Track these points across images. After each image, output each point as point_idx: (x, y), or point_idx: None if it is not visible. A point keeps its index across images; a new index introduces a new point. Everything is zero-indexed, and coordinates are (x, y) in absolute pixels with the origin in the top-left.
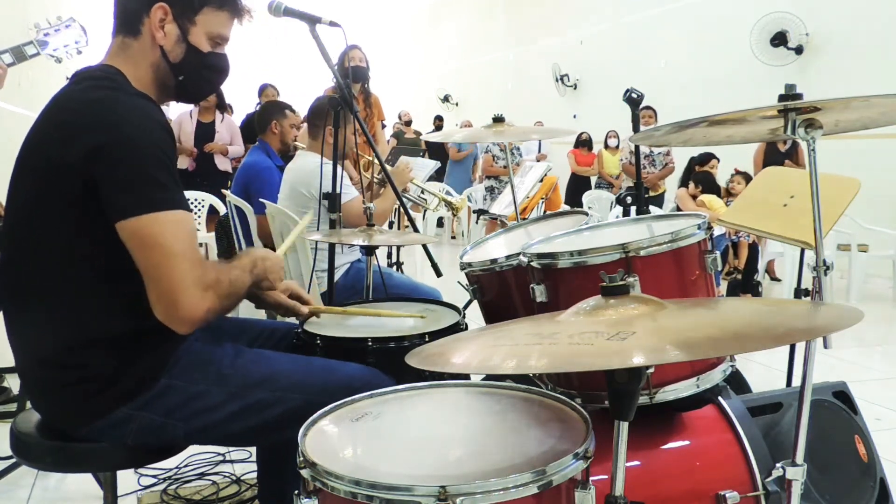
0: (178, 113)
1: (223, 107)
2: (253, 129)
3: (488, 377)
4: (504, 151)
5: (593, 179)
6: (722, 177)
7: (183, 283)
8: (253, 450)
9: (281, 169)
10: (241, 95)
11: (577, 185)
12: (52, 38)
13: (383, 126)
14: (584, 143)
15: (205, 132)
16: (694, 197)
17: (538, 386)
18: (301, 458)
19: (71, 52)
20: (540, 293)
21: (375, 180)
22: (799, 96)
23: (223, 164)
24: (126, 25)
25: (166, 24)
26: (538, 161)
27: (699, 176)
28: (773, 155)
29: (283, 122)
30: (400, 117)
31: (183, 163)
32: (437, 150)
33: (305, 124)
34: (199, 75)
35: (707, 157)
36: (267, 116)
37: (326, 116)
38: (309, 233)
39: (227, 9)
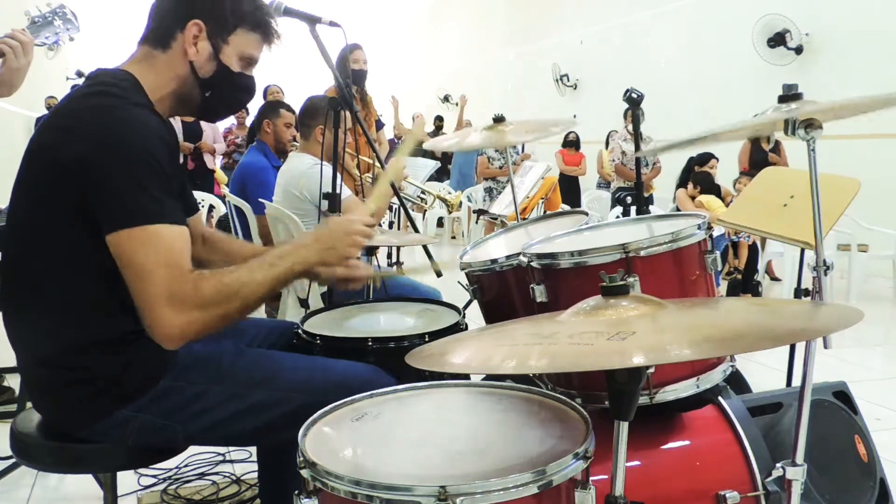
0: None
1: None
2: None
3: (488, 377)
4: (500, 153)
5: (582, 180)
6: (721, 176)
7: (153, 302)
8: (253, 449)
9: (277, 169)
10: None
11: (566, 186)
12: (43, 26)
13: (380, 126)
14: (571, 143)
15: (192, 131)
16: (693, 198)
17: (538, 386)
18: (301, 458)
19: (63, 39)
20: (540, 293)
21: (368, 180)
22: (799, 96)
23: (210, 162)
24: (157, 38)
25: (199, 41)
26: (522, 160)
27: (699, 176)
28: (758, 153)
29: (276, 122)
30: (413, 120)
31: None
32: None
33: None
34: (228, 94)
35: (706, 158)
36: (260, 117)
37: (320, 116)
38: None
39: (260, 31)
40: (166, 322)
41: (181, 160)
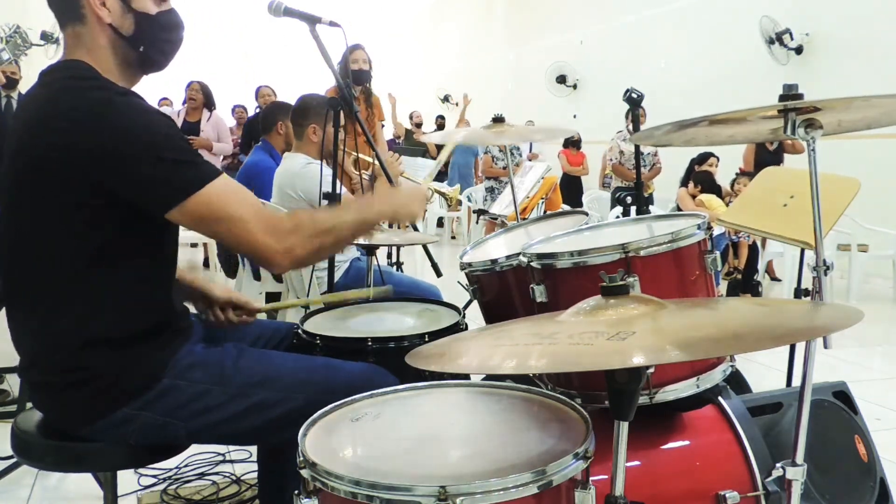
0: (167, 113)
1: (210, 105)
2: (255, 131)
3: (488, 377)
4: (503, 152)
5: (584, 179)
6: (722, 175)
7: (257, 241)
8: (253, 450)
9: None
10: (241, 97)
11: (569, 185)
12: (11, 46)
13: (382, 126)
14: (574, 143)
15: (190, 131)
16: (693, 196)
17: (538, 386)
18: (301, 458)
19: (19, 58)
20: (540, 293)
21: (365, 177)
22: (799, 96)
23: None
24: (68, 13)
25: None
26: (530, 161)
27: (699, 176)
28: (763, 154)
29: (288, 123)
30: (411, 118)
31: None
32: (440, 150)
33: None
34: (158, 39)
35: (705, 156)
36: (273, 117)
37: (312, 115)
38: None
39: None
40: (273, 252)
41: None
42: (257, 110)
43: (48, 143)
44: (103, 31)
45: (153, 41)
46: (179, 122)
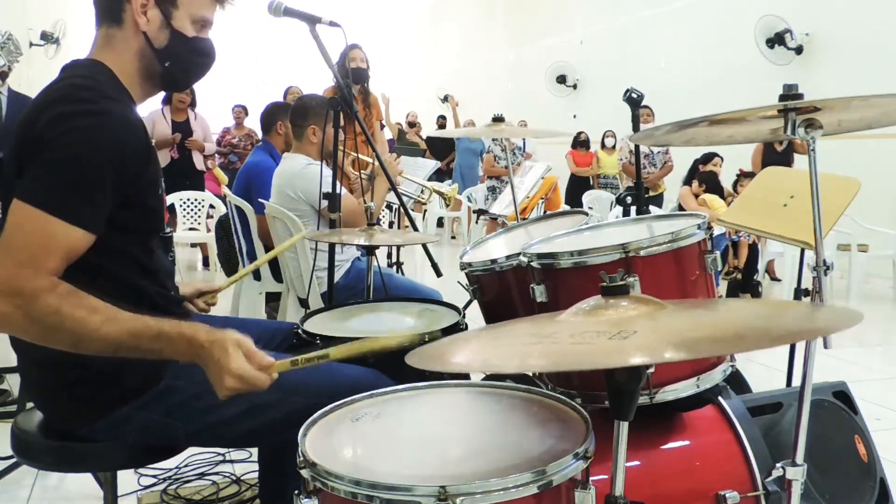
0: (150, 111)
1: (194, 105)
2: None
3: (488, 377)
4: (505, 151)
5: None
6: (726, 175)
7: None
8: (253, 450)
9: None
10: (251, 100)
11: (577, 186)
12: (6, 50)
13: (382, 126)
14: (581, 143)
15: (180, 130)
16: (696, 196)
17: (538, 386)
18: (301, 458)
19: (12, 65)
20: (540, 293)
21: (364, 177)
22: (799, 96)
23: (200, 163)
24: (108, 14)
25: (149, 10)
26: (526, 161)
27: (703, 176)
28: (771, 155)
29: (288, 123)
30: (407, 117)
31: (163, 158)
32: (441, 150)
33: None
34: (187, 61)
35: (710, 156)
36: (272, 118)
37: (311, 116)
38: (309, 232)
39: None
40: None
41: (172, 153)
42: None
43: (28, 136)
44: (136, 38)
45: (179, 60)
46: (168, 122)
